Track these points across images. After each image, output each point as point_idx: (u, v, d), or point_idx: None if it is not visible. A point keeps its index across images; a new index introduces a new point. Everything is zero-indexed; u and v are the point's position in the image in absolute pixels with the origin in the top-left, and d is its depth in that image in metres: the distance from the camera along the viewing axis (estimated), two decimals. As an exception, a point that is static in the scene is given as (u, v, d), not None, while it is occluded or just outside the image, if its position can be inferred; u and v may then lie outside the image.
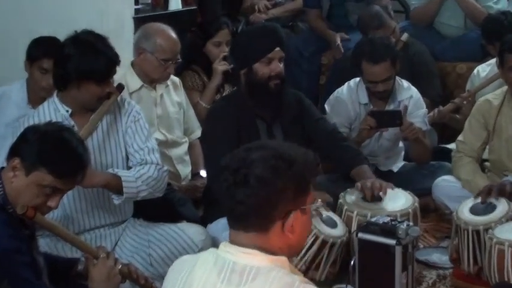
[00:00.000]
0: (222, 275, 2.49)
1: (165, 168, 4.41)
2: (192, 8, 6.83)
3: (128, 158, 4.30)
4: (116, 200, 4.16)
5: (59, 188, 3.25)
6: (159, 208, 4.45)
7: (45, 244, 3.92)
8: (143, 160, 4.26)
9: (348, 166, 4.95)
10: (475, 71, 6.18)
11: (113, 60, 4.11)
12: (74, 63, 4.03)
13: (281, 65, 4.74)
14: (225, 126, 4.62)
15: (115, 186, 4.10)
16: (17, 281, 3.02)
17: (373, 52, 5.45)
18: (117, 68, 4.22)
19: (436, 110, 6.10)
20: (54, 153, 3.20)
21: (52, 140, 3.24)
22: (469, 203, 4.65)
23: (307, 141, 4.88)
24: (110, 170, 4.15)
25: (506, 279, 4.12)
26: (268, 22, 5.08)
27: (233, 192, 2.48)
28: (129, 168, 4.27)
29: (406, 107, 5.45)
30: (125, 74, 5.16)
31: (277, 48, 4.71)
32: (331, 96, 5.73)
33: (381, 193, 4.65)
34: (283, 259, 2.52)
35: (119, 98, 4.31)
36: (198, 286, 2.52)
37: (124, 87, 4.33)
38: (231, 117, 4.71)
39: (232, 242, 2.54)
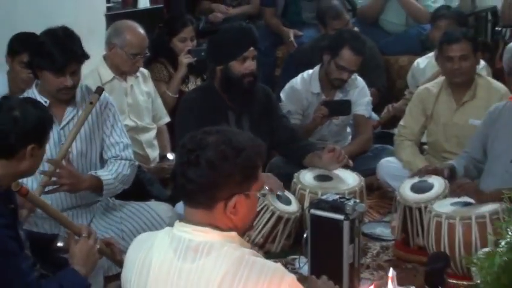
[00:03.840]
0: (178, 252, 2.51)
1: (136, 163, 4.44)
2: (159, 6, 6.81)
3: (101, 147, 4.30)
4: (94, 198, 4.23)
5: None
6: (130, 188, 4.42)
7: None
8: (118, 156, 4.27)
9: (300, 155, 4.99)
10: (415, 63, 6.23)
11: (68, 54, 3.99)
12: (35, 56, 4.03)
13: (254, 63, 4.74)
14: (197, 115, 4.58)
15: (96, 188, 4.13)
16: (2, 254, 3.00)
17: (357, 42, 5.51)
18: (86, 65, 4.19)
19: (390, 107, 6.18)
20: None
21: None
22: (410, 182, 4.71)
23: (271, 133, 4.95)
24: (92, 173, 4.15)
25: (442, 248, 4.19)
26: (243, 22, 5.09)
27: (185, 170, 2.50)
28: (102, 159, 4.29)
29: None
30: (97, 66, 5.16)
31: (252, 48, 4.72)
32: (287, 86, 5.75)
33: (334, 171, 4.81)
34: (233, 234, 2.54)
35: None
36: (156, 264, 2.54)
37: (104, 90, 4.25)
38: (203, 108, 4.70)
39: (187, 220, 2.56)
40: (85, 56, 4.11)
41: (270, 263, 2.49)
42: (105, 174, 4.16)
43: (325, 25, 6.55)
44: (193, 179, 2.49)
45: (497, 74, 5.70)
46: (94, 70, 5.08)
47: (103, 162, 4.30)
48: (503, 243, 2.03)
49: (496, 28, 7.23)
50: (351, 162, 4.89)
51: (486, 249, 3.53)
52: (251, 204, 2.60)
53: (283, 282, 2.43)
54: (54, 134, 4.04)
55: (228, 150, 2.49)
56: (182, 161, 2.52)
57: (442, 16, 6.19)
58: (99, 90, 4.20)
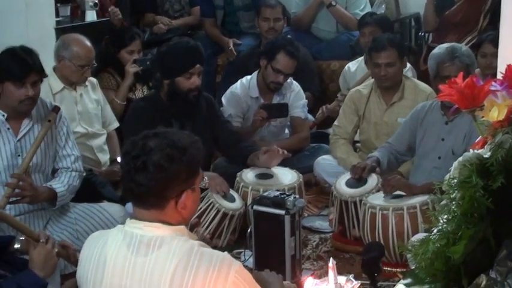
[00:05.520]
0: (131, 247, 2.50)
1: (84, 174, 4.42)
2: (106, 19, 6.74)
3: (54, 158, 4.26)
4: (47, 207, 4.18)
5: None
6: (83, 190, 4.39)
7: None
8: (69, 168, 4.25)
9: (244, 156, 4.97)
10: (346, 67, 6.26)
11: (28, 65, 3.95)
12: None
13: (199, 78, 4.75)
14: (144, 123, 4.43)
15: (51, 198, 4.12)
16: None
17: (292, 47, 5.53)
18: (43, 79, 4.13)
19: (324, 108, 6.19)
20: None
21: None
22: (345, 177, 4.74)
23: (214, 139, 4.97)
24: (48, 185, 4.13)
25: (377, 238, 4.21)
26: (190, 40, 5.09)
27: (133, 176, 2.47)
28: (54, 169, 4.26)
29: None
30: (48, 78, 5.05)
31: (198, 65, 4.72)
32: (227, 91, 5.73)
33: (272, 169, 4.82)
34: (182, 227, 2.55)
35: (48, 102, 4.29)
36: (111, 260, 2.52)
37: (60, 109, 4.24)
38: (149, 116, 4.67)
39: (137, 218, 2.55)
40: (44, 72, 4.08)
41: (218, 252, 2.51)
42: (59, 187, 4.15)
43: (258, 13, 6.66)
44: (143, 183, 2.47)
45: (422, 76, 5.75)
46: (44, 81, 4.96)
47: (54, 172, 4.28)
48: (435, 231, 2.04)
49: (419, 33, 7.30)
50: (286, 153, 4.88)
51: (420, 237, 3.58)
52: (196, 196, 2.62)
53: (231, 269, 2.45)
54: (11, 146, 4.04)
55: (174, 152, 2.48)
56: (129, 167, 2.49)
57: (366, 23, 6.22)
58: (57, 109, 4.19)
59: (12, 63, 3.94)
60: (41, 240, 3.28)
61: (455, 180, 1.99)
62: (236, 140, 5.07)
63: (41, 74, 4.06)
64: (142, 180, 2.46)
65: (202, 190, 4.42)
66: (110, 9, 6.59)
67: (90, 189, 4.64)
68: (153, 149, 2.47)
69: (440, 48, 4.63)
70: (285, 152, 4.86)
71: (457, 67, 4.44)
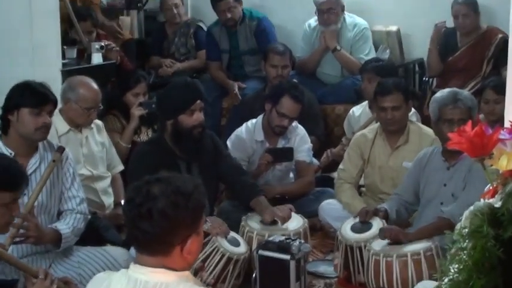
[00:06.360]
0: None
1: (89, 216, 4.39)
2: (112, 62, 6.76)
3: (60, 200, 4.25)
4: (51, 249, 4.15)
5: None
6: (86, 234, 4.35)
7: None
8: (74, 210, 4.23)
9: (247, 198, 4.91)
10: (351, 111, 6.27)
11: (45, 94, 4.06)
12: (13, 97, 4.05)
13: (202, 114, 4.74)
14: (149, 167, 4.28)
15: (56, 241, 4.09)
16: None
17: (296, 91, 5.55)
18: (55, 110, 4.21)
19: (328, 152, 6.16)
20: None
21: None
22: (350, 222, 4.71)
23: (219, 177, 4.95)
24: (53, 226, 4.11)
25: (381, 284, 4.18)
26: (188, 78, 5.12)
27: (138, 223, 2.43)
28: (59, 211, 4.24)
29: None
30: (53, 120, 5.05)
31: (198, 101, 4.71)
32: (232, 135, 5.73)
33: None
34: (187, 273, 2.52)
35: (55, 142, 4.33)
36: (113, 306, 2.47)
37: (65, 149, 4.24)
38: (154, 159, 4.60)
39: (140, 263, 2.51)
40: (57, 104, 4.19)
41: None
42: (64, 228, 4.12)
43: (266, 59, 6.63)
44: (149, 231, 2.43)
45: (426, 121, 5.74)
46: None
47: (59, 214, 4.26)
48: (446, 280, 2.02)
49: (423, 78, 7.32)
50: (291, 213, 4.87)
51: (425, 283, 3.55)
52: (201, 239, 2.59)
53: None
54: None
55: (179, 198, 2.44)
56: (133, 215, 2.45)
57: (365, 71, 6.21)
58: (61, 150, 4.18)
59: (29, 92, 4.03)
60: (40, 277, 3.25)
61: (466, 230, 1.97)
62: (238, 174, 5.01)
63: (55, 106, 4.17)
64: (147, 227, 2.42)
65: (206, 234, 4.39)
66: (105, 43, 6.59)
67: (93, 233, 4.60)
68: (157, 196, 2.43)
69: (442, 92, 4.64)
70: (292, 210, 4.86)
71: (460, 110, 4.44)
